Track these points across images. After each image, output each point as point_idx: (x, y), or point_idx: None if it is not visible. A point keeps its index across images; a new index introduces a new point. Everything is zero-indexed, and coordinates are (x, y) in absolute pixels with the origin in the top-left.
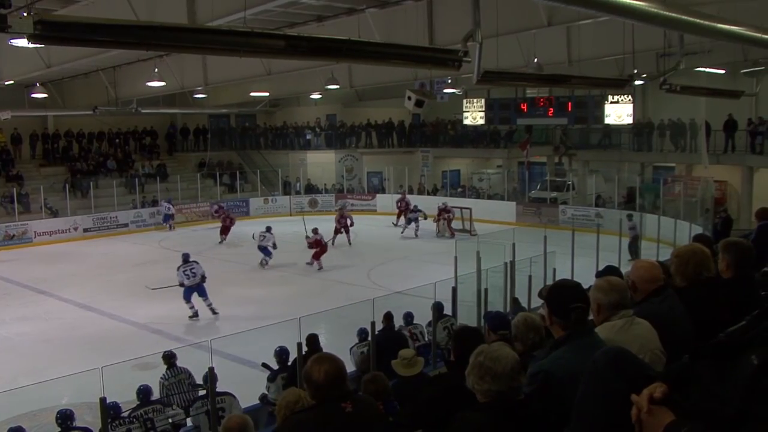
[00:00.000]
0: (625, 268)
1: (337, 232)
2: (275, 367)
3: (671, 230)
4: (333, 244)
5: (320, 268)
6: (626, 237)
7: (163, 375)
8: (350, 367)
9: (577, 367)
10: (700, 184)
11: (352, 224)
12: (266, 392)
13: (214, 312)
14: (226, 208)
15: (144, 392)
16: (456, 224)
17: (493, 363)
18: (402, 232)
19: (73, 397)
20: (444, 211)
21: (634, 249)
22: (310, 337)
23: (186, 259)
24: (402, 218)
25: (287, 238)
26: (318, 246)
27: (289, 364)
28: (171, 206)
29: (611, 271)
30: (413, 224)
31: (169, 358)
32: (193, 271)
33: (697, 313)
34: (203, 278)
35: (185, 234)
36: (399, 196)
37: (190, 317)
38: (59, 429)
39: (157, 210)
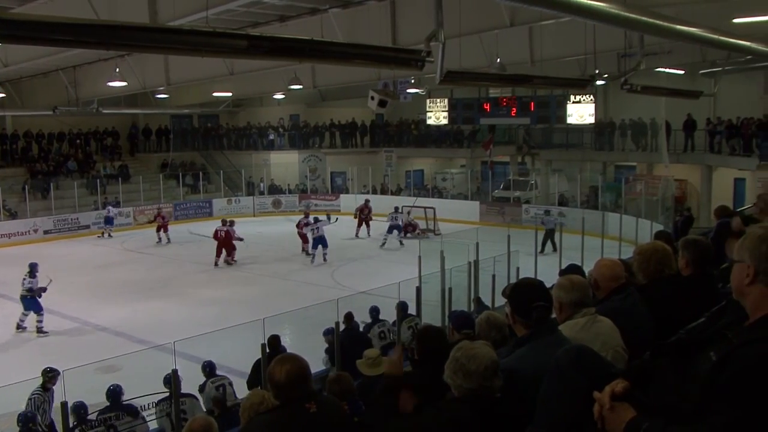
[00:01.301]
0: (588, 267)
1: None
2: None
3: (633, 229)
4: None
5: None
6: (590, 235)
7: (37, 391)
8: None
9: (540, 365)
10: (661, 183)
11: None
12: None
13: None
14: (163, 212)
15: (114, 393)
16: (419, 224)
17: (468, 361)
18: (383, 245)
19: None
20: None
21: (546, 242)
22: (272, 338)
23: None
24: (363, 227)
25: (251, 239)
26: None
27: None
28: (113, 209)
29: (574, 269)
30: (395, 232)
31: (49, 374)
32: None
33: (659, 310)
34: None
35: (147, 236)
36: (361, 203)
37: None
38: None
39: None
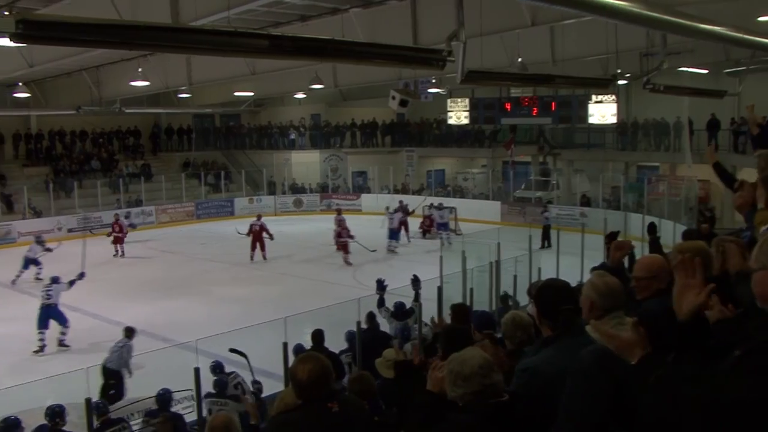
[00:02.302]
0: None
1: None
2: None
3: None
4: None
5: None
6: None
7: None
8: None
9: (565, 366)
10: (684, 184)
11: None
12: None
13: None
14: (121, 221)
15: (163, 400)
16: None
17: (461, 366)
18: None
19: (58, 398)
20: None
21: (545, 237)
22: (315, 333)
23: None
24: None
25: (274, 239)
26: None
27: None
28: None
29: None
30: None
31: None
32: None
33: None
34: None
35: (169, 234)
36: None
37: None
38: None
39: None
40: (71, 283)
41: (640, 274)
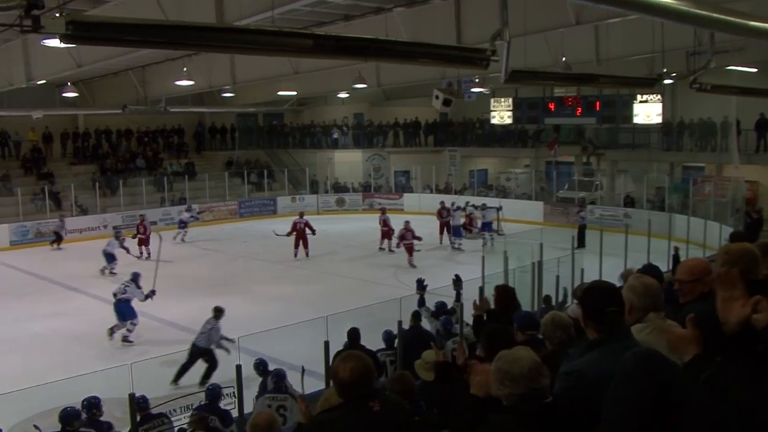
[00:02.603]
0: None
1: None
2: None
3: (701, 231)
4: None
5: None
6: (656, 237)
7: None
8: None
9: (610, 370)
10: (731, 184)
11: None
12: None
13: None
14: (146, 222)
15: (212, 394)
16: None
17: (510, 366)
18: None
19: (102, 393)
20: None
21: (581, 237)
22: (351, 331)
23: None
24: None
25: (314, 237)
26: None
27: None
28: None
29: (650, 270)
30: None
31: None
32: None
33: None
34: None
35: (213, 232)
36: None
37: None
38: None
39: (184, 208)
40: (146, 297)
41: (684, 278)
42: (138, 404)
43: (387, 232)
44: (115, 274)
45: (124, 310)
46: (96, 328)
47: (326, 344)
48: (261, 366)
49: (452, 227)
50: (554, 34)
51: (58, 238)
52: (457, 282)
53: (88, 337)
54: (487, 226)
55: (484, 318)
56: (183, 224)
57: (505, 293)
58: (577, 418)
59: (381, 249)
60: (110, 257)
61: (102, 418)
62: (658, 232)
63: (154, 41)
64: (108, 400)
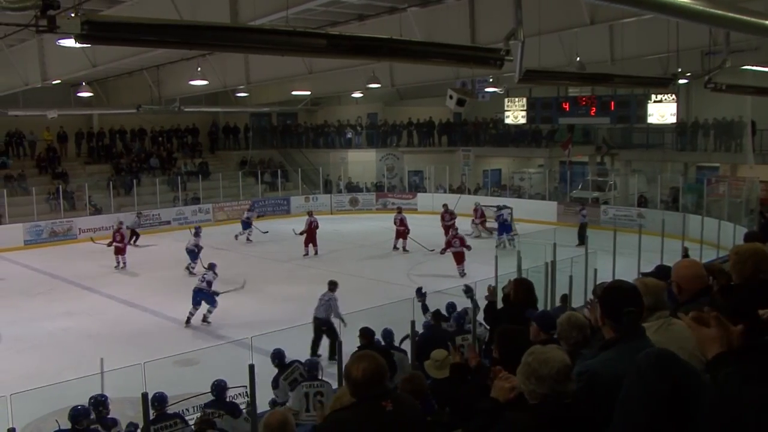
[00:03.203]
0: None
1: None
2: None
3: (715, 231)
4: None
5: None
6: (670, 237)
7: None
8: None
9: (625, 370)
10: (746, 185)
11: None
12: (274, 398)
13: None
14: (123, 230)
15: (218, 388)
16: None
17: (540, 365)
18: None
19: (115, 392)
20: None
21: (582, 234)
22: (364, 330)
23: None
24: (401, 240)
25: (327, 237)
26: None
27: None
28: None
29: (661, 271)
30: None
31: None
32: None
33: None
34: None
35: (226, 232)
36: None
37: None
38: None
39: (247, 208)
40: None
41: (679, 279)
42: (153, 402)
43: (403, 232)
44: (194, 274)
45: (204, 298)
46: (109, 327)
47: (339, 344)
48: (277, 358)
49: (499, 226)
50: (569, 33)
51: (134, 235)
52: (468, 292)
53: (102, 336)
54: (505, 228)
55: (497, 306)
56: (247, 224)
57: (524, 286)
58: (592, 418)
59: (395, 248)
60: (192, 254)
61: (115, 417)
62: (672, 233)
63: (169, 41)
64: (121, 399)
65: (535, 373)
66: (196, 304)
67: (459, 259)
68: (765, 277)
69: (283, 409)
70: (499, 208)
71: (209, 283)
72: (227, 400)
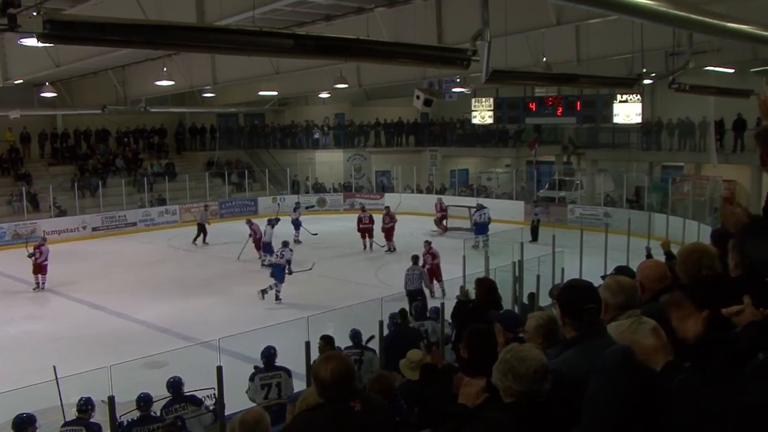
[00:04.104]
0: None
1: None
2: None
3: (680, 229)
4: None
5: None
6: (635, 236)
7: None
8: None
9: (588, 368)
10: (709, 184)
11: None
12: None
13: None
14: (44, 248)
15: (174, 385)
16: (464, 223)
17: (518, 363)
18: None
19: (81, 395)
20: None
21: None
22: (325, 337)
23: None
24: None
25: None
26: None
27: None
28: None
29: (622, 271)
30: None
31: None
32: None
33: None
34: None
35: (193, 233)
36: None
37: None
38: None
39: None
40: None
41: (642, 279)
42: (139, 403)
43: (369, 229)
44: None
45: (277, 273)
46: (73, 331)
47: (307, 345)
48: (265, 356)
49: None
50: (535, 34)
51: (201, 232)
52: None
53: (67, 340)
54: (481, 228)
55: (468, 305)
56: (297, 224)
57: (485, 286)
58: (557, 417)
59: (365, 249)
60: (267, 247)
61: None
62: (638, 231)
63: (134, 41)
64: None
65: (513, 371)
66: (278, 280)
67: (435, 275)
68: (708, 273)
69: (259, 408)
70: (478, 208)
71: (288, 262)
72: (184, 393)
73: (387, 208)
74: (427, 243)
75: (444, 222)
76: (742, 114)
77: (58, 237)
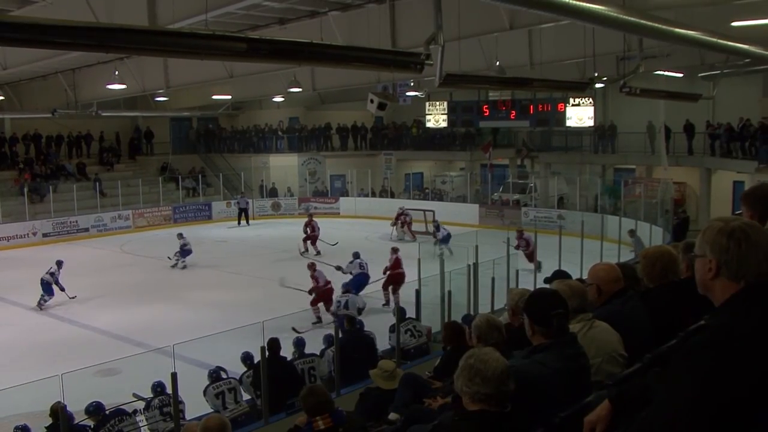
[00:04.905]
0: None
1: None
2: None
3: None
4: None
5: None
6: (589, 238)
7: None
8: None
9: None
10: (660, 186)
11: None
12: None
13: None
14: None
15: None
16: (419, 227)
17: (484, 365)
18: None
19: (32, 406)
20: (402, 215)
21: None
22: (271, 341)
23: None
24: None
25: (252, 242)
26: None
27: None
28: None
29: (562, 275)
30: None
31: None
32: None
33: (661, 315)
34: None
35: (146, 238)
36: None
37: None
38: None
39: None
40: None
41: (594, 281)
42: (92, 411)
43: (315, 237)
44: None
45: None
46: (22, 339)
47: (262, 350)
48: (248, 360)
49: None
50: (488, 38)
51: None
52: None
53: (15, 348)
54: (445, 239)
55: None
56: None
57: (455, 330)
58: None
59: (302, 253)
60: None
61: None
62: (591, 233)
63: (82, 43)
64: (38, 414)
65: (480, 374)
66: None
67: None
68: (674, 278)
69: (219, 415)
70: (437, 227)
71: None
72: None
73: (311, 215)
74: (395, 250)
75: (410, 228)
76: (690, 119)
77: (7, 243)
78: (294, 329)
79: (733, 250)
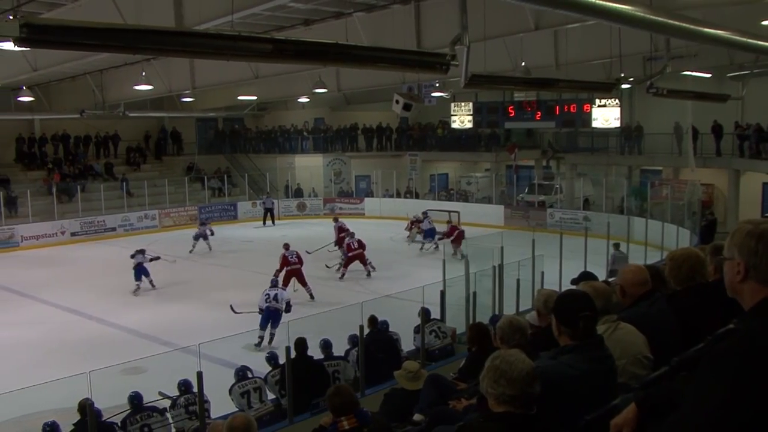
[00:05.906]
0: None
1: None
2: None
3: (659, 233)
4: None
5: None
6: (615, 240)
7: None
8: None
9: (585, 372)
10: (687, 187)
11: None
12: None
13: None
14: None
15: (137, 398)
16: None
17: (509, 367)
18: (422, 249)
19: (60, 402)
20: (415, 222)
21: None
22: (298, 341)
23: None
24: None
25: (278, 243)
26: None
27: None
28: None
29: (589, 277)
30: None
31: None
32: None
33: (688, 318)
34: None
35: (173, 238)
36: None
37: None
38: None
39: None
40: None
41: (623, 283)
42: (133, 401)
43: (342, 239)
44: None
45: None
46: (52, 337)
47: (288, 349)
48: (273, 359)
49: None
50: (514, 39)
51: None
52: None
53: (44, 346)
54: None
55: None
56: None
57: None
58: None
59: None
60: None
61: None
62: (617, 235)
63: (111, 45)
64: (66, 410)
65: (505, 375)
66: None
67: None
68: (701, 281)
69: (245, 414)
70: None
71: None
72: (145, 405)
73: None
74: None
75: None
76: (718, 119)
77: (36, 242)
78: (231, 308)
79: (762, 253)
